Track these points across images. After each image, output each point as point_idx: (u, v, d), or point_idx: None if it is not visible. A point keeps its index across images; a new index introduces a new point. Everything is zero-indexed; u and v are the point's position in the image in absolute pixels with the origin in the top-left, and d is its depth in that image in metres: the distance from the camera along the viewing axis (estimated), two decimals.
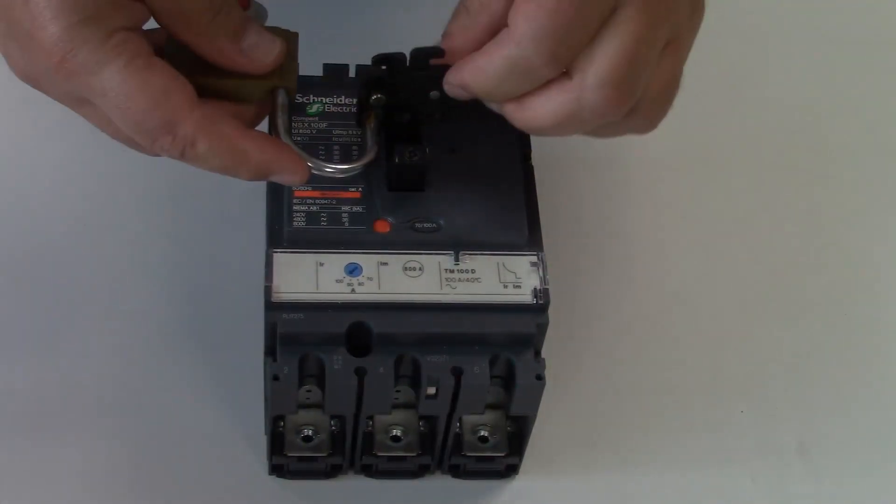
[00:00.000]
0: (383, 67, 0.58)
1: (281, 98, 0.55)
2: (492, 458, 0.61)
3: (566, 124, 0.54)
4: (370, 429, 0.60)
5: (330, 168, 0.57)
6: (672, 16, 0.53)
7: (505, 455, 0.61)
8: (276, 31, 0.55)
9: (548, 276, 0.57)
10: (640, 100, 0.54)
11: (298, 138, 0.60)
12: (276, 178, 0.54)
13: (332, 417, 0.60)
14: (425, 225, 0.58)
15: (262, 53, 0.54)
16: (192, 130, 0.52)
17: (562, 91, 0.53)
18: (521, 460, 0.62)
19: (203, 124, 0.52)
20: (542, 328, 0.57)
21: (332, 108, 0.61)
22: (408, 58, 0.58)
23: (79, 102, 0.53)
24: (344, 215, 0.58)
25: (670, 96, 0.56)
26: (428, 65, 0.59)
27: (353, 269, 0.57)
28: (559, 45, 0.51)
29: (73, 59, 0.50)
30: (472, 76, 0.54)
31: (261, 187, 0.60)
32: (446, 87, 0.56)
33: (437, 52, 0.58)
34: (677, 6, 0.53)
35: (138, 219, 0.69)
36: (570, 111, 0.53)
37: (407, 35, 0.61)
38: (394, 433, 0.60)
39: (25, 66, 0.52)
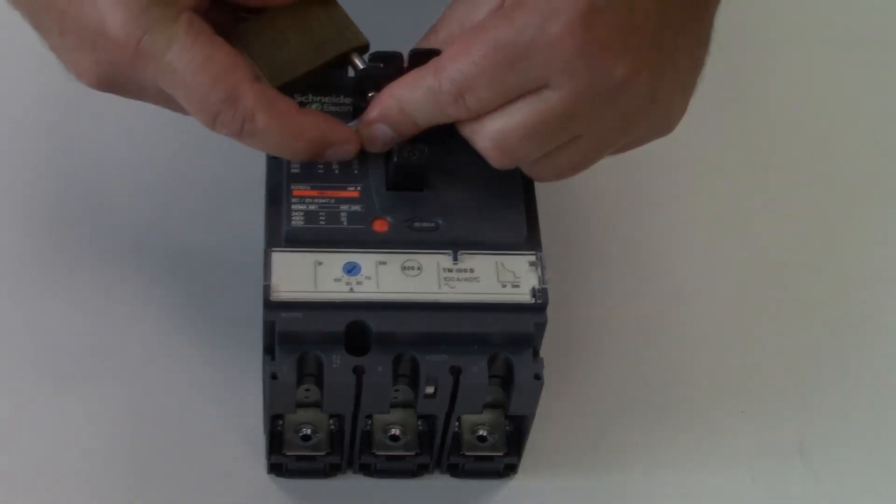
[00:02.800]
0: (380, 66, 0.58)
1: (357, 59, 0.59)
2: (490, 458, 0.61)
3: None
4: (369, 428, 0.60)
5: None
6: (595, 113, 0.55)
7: (503, 454, 0.61)
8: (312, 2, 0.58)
9: (546, 276, 0.57)
10: (538, 161, 0.57)
11: None
12: (330, 152, 0.57)
13: (331, 416, 0.60)
14: (424, 224, 0.58)
15: None
16: (252, 104, 0.54)
17: (460, 125, 0.56)
18: (519, 460, 0.62)
19: (262, 99, 0.55)
20: (541, 328, 0.57)
21: (332, 108, 0.61)
22: (405, 58, 0.58)
23: (155, 94, 0.56)
24: (343, 214, 0.58)
25: (566, 173, 0.58)
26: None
27: (351, 269, 0.57)
28: (469, 93, 0.54)
29: (145, 42, 0.54)
30: (389, 102, 0.56)
31: (260, 187, 0.60)
32: (364, 132, 0.58)
33: (435, 53, 0.58)
34: (599, 105, 0.54)
35: (137, 218, 0.69)
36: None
37: (407, 34, 0.61)
38: (392, 432, 0.60)
39: (100, 68, 0.55)
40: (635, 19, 0.53)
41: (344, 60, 0.59)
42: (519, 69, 0.53)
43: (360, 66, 0.59)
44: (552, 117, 0.54)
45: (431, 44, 0.57)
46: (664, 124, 0.57)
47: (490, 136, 0.56)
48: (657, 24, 0.54)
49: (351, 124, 0.59)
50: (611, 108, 0.55)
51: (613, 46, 0.53)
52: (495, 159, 0.56)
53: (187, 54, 0.54)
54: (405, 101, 0.56)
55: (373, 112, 0.57)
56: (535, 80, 0.54)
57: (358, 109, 0.59)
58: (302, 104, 0.59)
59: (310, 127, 0.56)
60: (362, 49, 0.59)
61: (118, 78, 0.55)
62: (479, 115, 0.55)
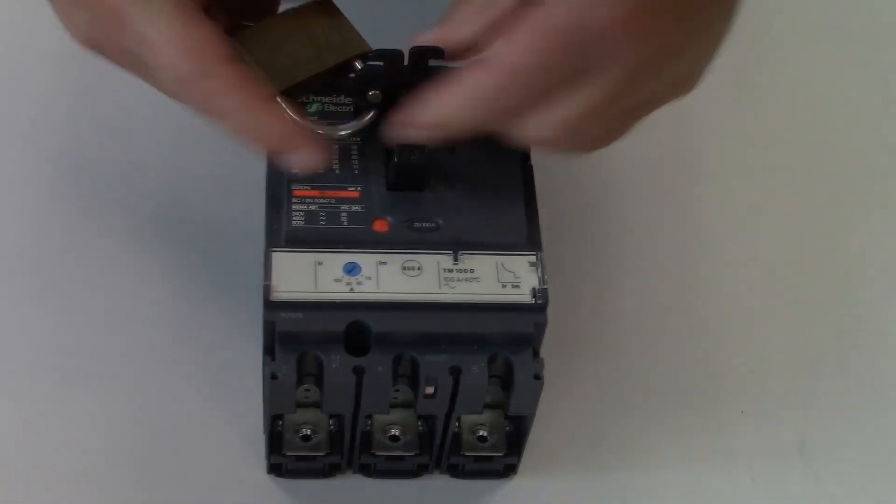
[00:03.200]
0: (380, 64, 0.58)
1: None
2: (490, 458, 0.61)
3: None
4: (368, 428, 0.60)
5: (322, 130, 0.59)
6: (629, 92, 0.55)
7: (503, 455, 0.61)
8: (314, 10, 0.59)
9: (546, 276, 0.57)
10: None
11: None
12: (294, 157, 0.56)
13: (331, 417, 0.60)
14: (424, 224, 0.58)
15: None
16: (220, 83, 0.54)
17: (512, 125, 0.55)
18: (519, 460, 0.62)
19: (233, 81, 0.54)
20: (541, 328, 0.57)
21: (332, 108, 0.61)
22: (406, 56, 0.58)
23: (135, 63, 0.56)
24: (343, 214, 0.58)
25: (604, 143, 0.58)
26: (426, 65, 0.59)
27: (351, 269, 0.57)
28: (532, 81, 0.53)
29: (132, 8, 0.54)
30: (435, 117, 0.55)
31: (260, 186, 0.60)
32: (404, 133, 0.56)
33: (435, 51, 0.58)
34: (636, 83, 0.54)
35: (137, 218, 0.69)
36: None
37: (407, 33, 0.61)
38: (392, 433, 0.60)
39: (90, 29, 0.56)
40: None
41: (347, 67, 0.59)
42: (569, 51, 0.53)
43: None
44: (593, 104, 0.54)
45: (452, 22, 0.57)
46: (687, 87, 0.57)
47: (553, 125, 0.55)
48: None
49: (350, 124, 0.59)
50: (646, 88, 0.55)
51: (655, 22, 0.53)
52: (560, 147, 0.56)
53: (165, 24, 0.54)
54: (454, 111, 0.55)
55: (407, 122, 0.56)
56: (580, 63, 0.53)
57: (358, 109, 0.59)
58: (302, 104, 0.59)
59: (276, 122, 0.56)
60: (365, 56, 0.59)
61: (104, 41, 0.56)
62: (536, 108, 0.54)
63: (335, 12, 0.60)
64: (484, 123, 0.55)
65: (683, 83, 0.57)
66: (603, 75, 0.53)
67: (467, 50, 0.57)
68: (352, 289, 0.56)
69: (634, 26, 0.53)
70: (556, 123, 0.54)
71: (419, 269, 0.57)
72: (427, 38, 0.57)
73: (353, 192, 0.59)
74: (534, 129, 0.55)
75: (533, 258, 0.58)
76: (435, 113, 0.55)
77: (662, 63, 0.54)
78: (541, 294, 0.57)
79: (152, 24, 0.54)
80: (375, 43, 0.59)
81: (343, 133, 0.59)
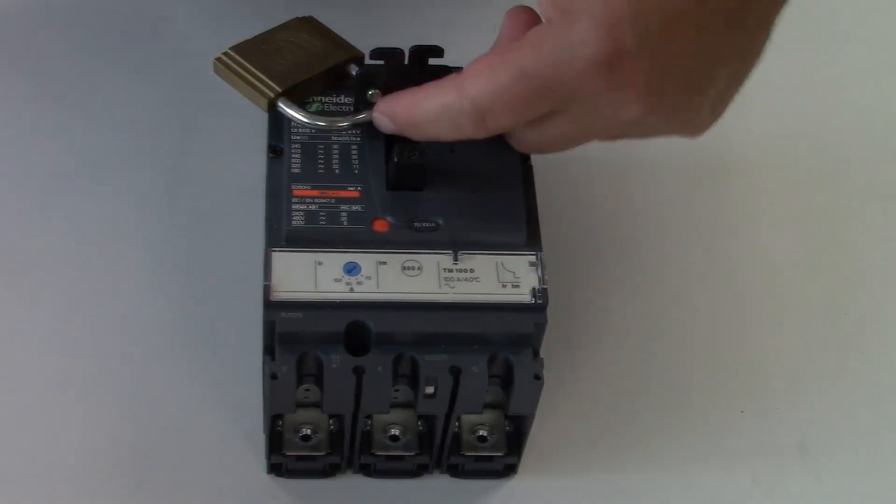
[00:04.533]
0: (381, 63, 0.58)
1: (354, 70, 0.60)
2: (490, 458, 0.61)
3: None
4: (368, 428, 0.60)
5: (322, 122, 0.59)
6: (611, 130, 0.55)
7: (503, 454, 0.61)
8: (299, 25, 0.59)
9: (546, 276, 0.57)
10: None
11: (298, 137, 0.60)
12: None
13: (331, 416, 0.60)
14: (424, 224, 0.58)
15: None
16: None
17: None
18: (519, 460, 0.62)
19: None
20: (541, 328, 0.57)
21: (332, 108, 0.61)
22: (406, 55, 0.58)
23: None
24: (343, 214, 0.58)
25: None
26: (426, 63, 0.59)
27: (351, 269, 0.57)
28: (491, 117, 0.54)
29: None
30: (404, 110, 0.56)
31: (260, 187, 0.60)
32: (375, 117, 0.58)
33: (436, 50, 0.58)
34: (616, 127, 0.54)
35: (137, 217, 0.69)
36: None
37: (407, 34, 0.61)
38: (392, 432, 0.60)
39: None
40: (666, 60, 0.52)
41: (342, 72, 0.60)
42: (542, 98, 0.53)
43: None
44: (571, 133, 0.55)
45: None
46: (686, 134, 0.57)
47: (517, 141, 0.57)
48: (692, 59, 0.52)
49: (343, 123, 0.59)
50: (627, 130, 0.55)
51: (637, 88, 0.52)
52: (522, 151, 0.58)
53: None
54: (419, 113, 0.56)
55: (384, 107, 0.57)
56: (554, 108, 0.54)
57: (358, 109, 0.60)
58: (302, 104, 0.59)
59: None
60: (358, 60, 0.60)
61: None
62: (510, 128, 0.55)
63: (321, 26, 0.61)
64: (451, 135, 0.56)
65: (686, 125, 0.56)
66: (577, 115, 0.54)
67: None
68: (352, 289, 0.56)
69: (614, 81, 0.52)
70: (532, 142, 0.56)
71: (419, 269, 0.57)
72: None
73: (353, 192, 0.59)
74: (512, 139, 0.57)
75: (533, 258, 0.58)
76: (408, 112, 0.56)
77: (648, 114, 0.53)
78: (541, 294, 0.57)
79: None
80: (375, 43, 0.59)
81: (342, 125, 0.59)
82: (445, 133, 0.56)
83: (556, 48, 0.52)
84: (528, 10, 0.56)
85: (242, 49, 0.59)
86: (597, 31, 0.51)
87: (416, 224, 0.58)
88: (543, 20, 0.53)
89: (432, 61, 0.59)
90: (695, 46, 0.52)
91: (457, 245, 0.58)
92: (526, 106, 0.53)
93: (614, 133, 0.56)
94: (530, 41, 0.53)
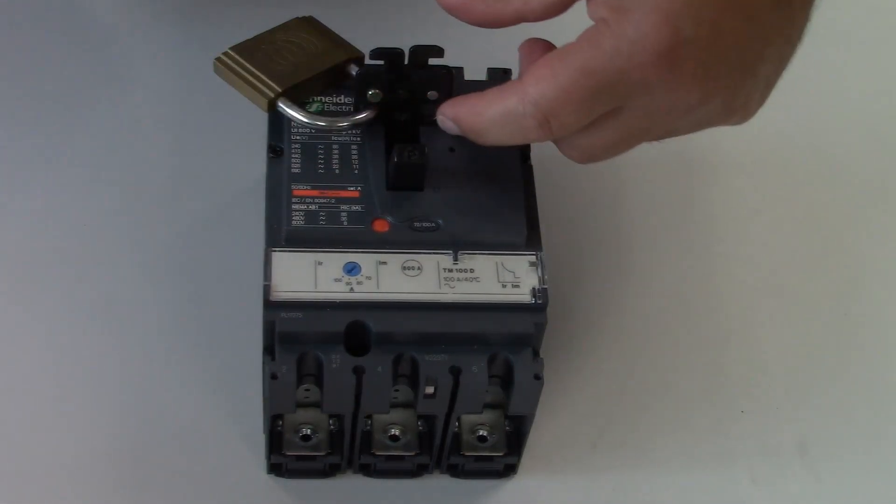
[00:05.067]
0: (381, 63, 0.58)
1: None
2: (490, 458, 0.61)
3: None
4: (368, 428, 0.60)
5: (322, 122, 0.59)
6: (667, 124, 0.55)
7: (503, 454, 0.61)
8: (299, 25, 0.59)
9: (546, 276, 0.57)
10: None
11: (298, 137, 0.60)
12: None
13: (331, 416, 0.60)
14: (424, 224, 0.58)
15: None
16: None
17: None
18: (519, 460, 0.62)
19: None
20: (541, 328, 0.57)
21: (332, 108, 0.61)
22: (406, 55, 0.58)
23: None
24: (343, 214, 0.58)
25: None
26: (427, 63, 0.59)
27: (351, 269, 0.57)
28: (555, 119, 0.53)
29: None
30: (467, 115, 0.56)
31: (260, 187, 0.60)
32: (439, 119, 0.58)
33: (436, 50, 0.58)
34: (673, 118, 0.55)
35: (137, 218, 0.69)
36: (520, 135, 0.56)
37: (407, 34, 0.61)
38: (392, 432, 0.60)
39: None
40: (721, 43, 0.52)
41: (342, 72, 0.60)
42: (605, 95, 0.53)
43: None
44: (633, 132, 0.55)
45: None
46: (737, 121, 0.57)
47: (574, 148, 0.56)
48: (744, 42, 0.53)
49: (343, 123, 0.59)
50: (683, 121, 0.55)
51: (694, 76, 0.53)
52: (576, 161, 0.57)
53: None
54: (483, 119, 0.55)
55: (448, 111, 0.57)
56: (616, 104, 0.54)
57: (358, 108, 0.60)
58: (303, 104, 0.59)
59: None
60: (358, 60, 0.60)
61: None
62: (572, 132, 0.55)
63: (321, 26, 0.61)
64: (516, 139, 0.56)
65: (737, 111, 0.56)
66: (638, 110, 0.54)
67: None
68: (352, 289, 0.56)
69: (674, 69, 0.52)
70: (577, 148, 0.56)
71: (419, 269, 0.57)
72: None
73: (353, 191, 0.59)
74: (568, 147, 0.56)
75: (533, 258, 0.58)
76: (471, 118, 0.56)
77: (707, 99, 0.54)
78: (541, 294, 0.57)
79: None
80: (375, 43, 0.59)
81: (342, 125, 0.59)
82: (509, 138, 0.55)
83: (616, 43, 0.52)
84: (542, 41, 0.56)
85: (242, 49, 0.59)
86: (653, 22, 0.51)
87: (416, 224, 0.58)
88: (597, 21, 0.53)
89: (432, 61, 0.59)
90: (746, 29, 0.53)
91: (457, 245, 0.58)
92: (589, 104, 0.53)
93: (671, 126, 0.56)
94: (589, 40, 0.53)
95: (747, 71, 0.54)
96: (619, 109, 0.54)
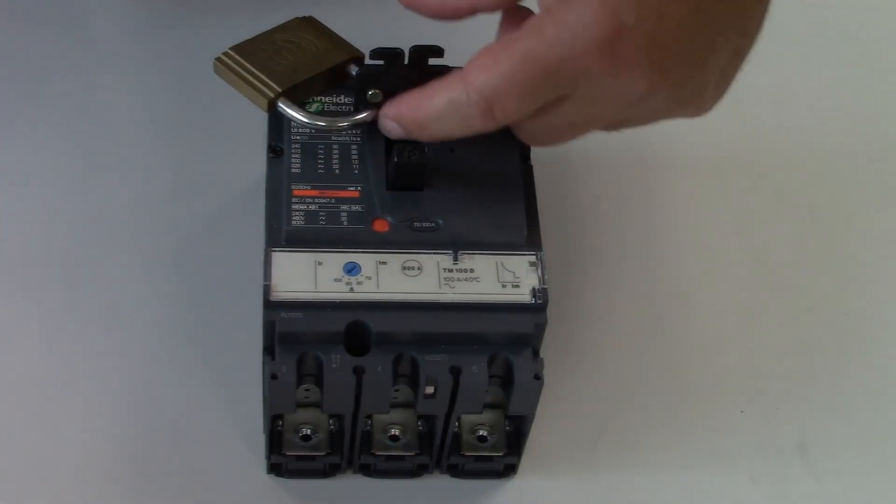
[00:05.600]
0: (381, 63, 0.58)
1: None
2: (490, 458, 0.61)
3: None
4: (368, 428, 0.60)
5: (322, 122, 0.59)
6: (617, 114, 0.55)
7: (503, 454, 0.61)
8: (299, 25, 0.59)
9: (546, 276, 0.57)
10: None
11: (298, 137, 0.60)
12: None
13: (331, 416, 0.60)
14: (424, 224, 0.58)
15: None
16: None
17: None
18: (519, 460, 0.62)
19: None
20: (541, 328, 0.57)
21: (332, 108, 0.61)
22: (406, 55, 0.58)
23: None
24: (343, 214, 0.58)
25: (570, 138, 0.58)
26: (427, 63, 0.59)
27: (351, 269, 0.57)
28: (498, 107, 0.54)
29: None
30: (408, 110, 0.56)
31: (260, 187, 0.60)
32: (380, 122, 0.58)
33: (436, 50, 0.58)
34: (620, 107, 0.55)
35: (137, 218, 0.69)
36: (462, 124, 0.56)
37: (407, 34, 0.61)
38: (392, 432, 0.60)
39: None
40: (666, 33, 0.53)
41: (342, 73, 0.60)
42: (547, 83, 0.53)
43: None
44: (577, 119, 0.55)
45: None
46: (691, 113, 0.57)
47: (521, 131, 0.57)
48: (690, 32, 0.53)
49: (343, 123, 0.59)
50: (632, 110, 0.55)
51: (638, 66, 0.53)
52: (529, 145, 0.58)
53: None
54: (425, 112, 0.55)
55: (389, 111, 0.57)
56: (560, 92, 0.54)
57: (358, 109, 0.60)
58: (303, 104, 0.59)
59: None
60: (358, 60, 0.60)
61: None
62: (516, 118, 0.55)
63: (321, 26, 0.61)
64: (460, 130, 0.55)
65: (689, 103, 0.56)
66: (582, 98, 0.54)
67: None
68: (352, 289, 0.56)
69: (616, 58, 0.52)
70: (519, 131, 0.56)
71: (419, 269, 0.57)
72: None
73: (353, 191, 0.59)
74: (517, 130, 0.57)
75: (533, 258, 0.58)
76: (413, 112, 0.56)
77: (652, 90, 0.54)
78: (541, 294, 0.57)
79: None
80: (375, 43, 0.59)
81: (342, 125, 0.59)
82: (453, 129, 0.55)
83: (558, 31, 0.52)
84: (524, 8, 0.56)
85: (242, 49, 0.59)
86: (595, 10, 0.52)
87: (416, 224, 0.58)
88: (542, 10, 0.53)
89: (432, 61, 0.59)
90: (692, 19, 0.53)
91: (457, 245, 0.58)
92: (532, 92, 0.53)
93: (620, 116, 0.56)
94: (531, 28, 0.53)
95: (696, 62, 0.54)
96: (564, 97, 0.54)
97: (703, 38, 0.54)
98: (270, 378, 0.55)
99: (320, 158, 0.59)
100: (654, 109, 0.56)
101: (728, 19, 0.54)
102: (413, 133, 0.57)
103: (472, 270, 0.57)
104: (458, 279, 0.57)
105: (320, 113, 0.60)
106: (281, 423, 0.60)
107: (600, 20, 0.52)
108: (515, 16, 0.56)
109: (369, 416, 0.60)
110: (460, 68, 0.59)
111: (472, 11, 0.56)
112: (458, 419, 0.60)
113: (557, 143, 0.57)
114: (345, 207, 0.58)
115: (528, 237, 0.58)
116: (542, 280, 0.57)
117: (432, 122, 0.56)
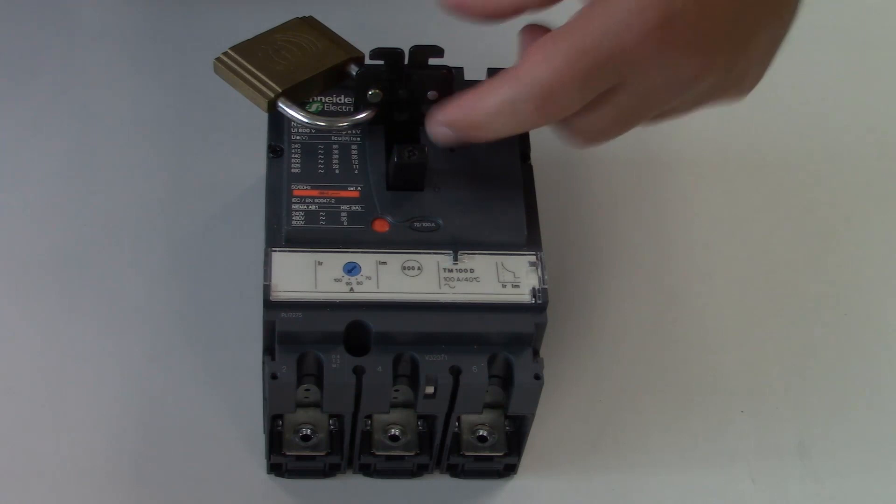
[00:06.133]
0: (381, 62, 0.58)
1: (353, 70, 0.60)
2: (490, 458, 0.61)
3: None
4: (369, 428, 0.60)
5: (322, 122, 0.59)
6: (668, 100, 0.55)
7: (503, 455, 0.61)
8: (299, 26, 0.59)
9: (546, 276, 0.57)
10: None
11: (298, 137, 0.60)
12: None
13: (331, 416, 0.60)
14: (424, 224, 0.58)
15: None
16: None
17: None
18: (519, 460, 0.62)
19: None
20: (541, 328, 0.57)
21: (332, 108, 0.61)
22: (406, 55, 0.58)
23: None
24: (343, 214, 0.58)
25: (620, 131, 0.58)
26: (427, 63, 0.59)
27: (351, 269, 0.57)
28: (553, 102, 0.53)
29: None
30: (462, 114, 0.55)
31: (260, 187, 0.60)
32: (430, 129, 0.57)
33: (436, 50, 0.58)
34: (671, 94, 0.55)
35: (137, 218, 0.69)
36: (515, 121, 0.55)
37: (407, 34, 0.61)
38: (392, 432, 0.60)
39: None
40: (712, 17, 0.53)
41: (342, 73, 0.60)
42: (600, 74, 0.53)
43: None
44: (630, 110, 0.55)
45: None
46: (732, 98, 0.58)
47: (573, 131, 0.56)
48: (733, 16, 0.54)
49: (343, 123, 0.59)
50: (681, 98, 0.55)
51: (688, 49, 0.53)
52: (577, 146, 0.57)
53: None
54: (480, 112, 0.55)
55: (440, 117, 0.57)
56: (612, 82, 0.54)
57: (359, 108, 0.60)
58: (303, 104, 0.59)
59: None
60: (358, 60, 0.60)
61: None
62: (569, 115, 0.55)
63: (321, 26, 0.61)
64: (514, 128, 0.55)
65: (732, 87, 0.57)
66: (635, 87, 0.54)
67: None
68: (352, 289, 0.56)
69: (668, 43, 0.52)
70: (576, 130, 0.56)
71: (419, 268, 0.57)
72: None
73: (353, 191, 0.59)
74: (567, 130, 0.56)
75: (533, 258, 0.58)
76: (467, 115, 0.55)
77: (703, 72, 0.54)
78: (541, 294, 0.57)
79: None
80: (375, 43, 0.59)
81: (342, 125, 0.59)
82: (508, 128, 0.55)
83: (609, 20, 0.52)
84: (541, 27, 0.56)
85: (242, 49, 0.59)
86: None
87: (416, 224, 0.58)
88: (586, 2, 0.53)
89: (432, 61, 0.59)
90: (734, 4, 0.53)
91: (457, 245, 0.58)
92: (586, 84, 0.53)
93: (668, 104, 0.56)
94: (580, 20, 0.53)
95: (740, 45, 0.54)
96: (616, 88, 0.54)
97: (745, 22, 0.54)
98: (270, 378, 0.55)
99: (320, 158, 0.59)
100: (701, 95, 0.56)
101: (767, 5, 0.55)
102: (467, 135, 0.56)
103: (472, 270, 0.57)
104: (458, 279, 0.57)
105: (320, 113, 0.60)
106: (281, 423, 0.60)
107: (649, 7, 0.52)
108: (535, 33, 0.56)
109: (369, 416, 0.60)
110: (461, 69, 0.59)
111: (516, 11, 0.56)
112: (458, 419, 0.60)
113: (603, 140, 0.57)
114: (345, 207, 0.58)
115: (528, 237, 0.58)
116: (542, 280, 0.57)
117: (488, 122, 0.55)
